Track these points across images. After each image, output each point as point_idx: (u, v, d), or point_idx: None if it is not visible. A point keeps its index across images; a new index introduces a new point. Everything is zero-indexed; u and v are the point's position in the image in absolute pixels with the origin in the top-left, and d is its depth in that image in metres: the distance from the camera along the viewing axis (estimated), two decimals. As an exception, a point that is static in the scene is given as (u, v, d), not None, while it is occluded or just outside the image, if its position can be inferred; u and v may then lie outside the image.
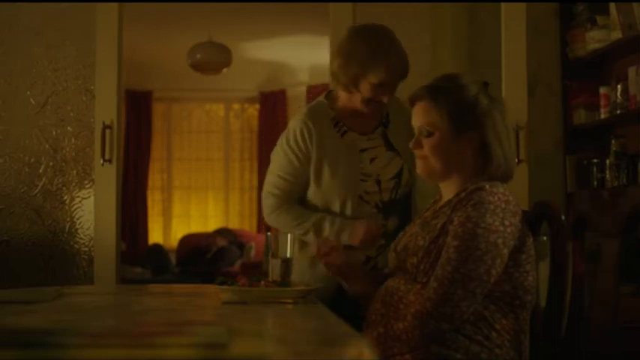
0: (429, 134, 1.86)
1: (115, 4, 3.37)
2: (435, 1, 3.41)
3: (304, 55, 6.85)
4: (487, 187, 1.76)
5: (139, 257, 6.93)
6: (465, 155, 1.85)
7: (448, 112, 1.83)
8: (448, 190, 1.89)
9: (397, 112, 2.39)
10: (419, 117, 1.89)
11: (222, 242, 7.10)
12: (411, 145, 1.90)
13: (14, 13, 3.40)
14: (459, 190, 1.84)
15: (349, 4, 3.38)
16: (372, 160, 2.36)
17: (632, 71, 3.22)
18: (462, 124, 1.83)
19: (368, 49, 2.25)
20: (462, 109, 1.84)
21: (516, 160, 2.03)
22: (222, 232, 7.37)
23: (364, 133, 2.37)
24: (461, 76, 1.90)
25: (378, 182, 2.35)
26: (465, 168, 1.85)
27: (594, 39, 3.42)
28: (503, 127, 1.86)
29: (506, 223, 1.72)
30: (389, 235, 2.24)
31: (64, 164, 3.38)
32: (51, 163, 3.38)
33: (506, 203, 1.75)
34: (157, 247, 7.26)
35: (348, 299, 2.02)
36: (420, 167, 1.91)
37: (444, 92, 1.86)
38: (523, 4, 3.38)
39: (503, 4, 3.33)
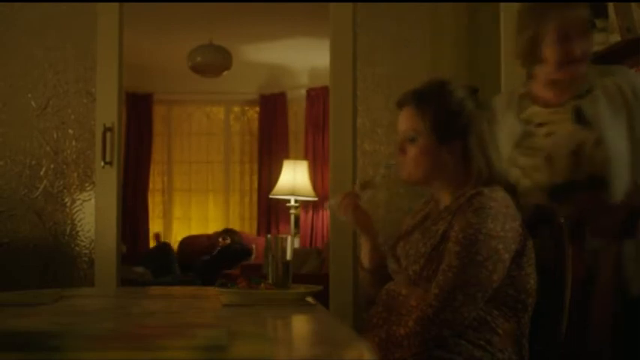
0: (413, 139, 1.86)
1: (116, 6, 3.37)
2: (435, 2, 3.41)
3: (304, 58, 6.85)
4: (486, 191, 1.76)
5: (139, 258, 6.91)
6: (448, 163, 1.84)
7: (431, 119, 1.83)
8: (442, 194, 1.89)
9: (602, 80, 2.21)
10: (403, 122, 1.89)
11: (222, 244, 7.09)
12: (395, 150, 1.91)
13: (14, 14, 3.40)
14: (457, 194, 1.84)
15: (349, 5, 3.38)
16: (549, 134, 2.18)
17: (631, 73, 3.22)
18: (444, 132, 1.83)
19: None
20: (446, 117, 1.83)
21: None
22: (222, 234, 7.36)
23: (549, 106, 2.22)
24: (449, 82, 1.88)
25: (549, 159, 2.15)
26: (447, 175, 1.85)
27: (593, 42, 3.41)
28: (488, 134, 1.85)
29: (507, 227, 1.72)
30: None
31: (64, 167, 3.38)
32: (52, 166, 3.38)
33: (506, 207, 1.75)
34: (165, 246, 7.10)
35: None
36: (401, 171, 1.91)
37: (429, 99, 1.85)
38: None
39: (502, 5, 3.33)
